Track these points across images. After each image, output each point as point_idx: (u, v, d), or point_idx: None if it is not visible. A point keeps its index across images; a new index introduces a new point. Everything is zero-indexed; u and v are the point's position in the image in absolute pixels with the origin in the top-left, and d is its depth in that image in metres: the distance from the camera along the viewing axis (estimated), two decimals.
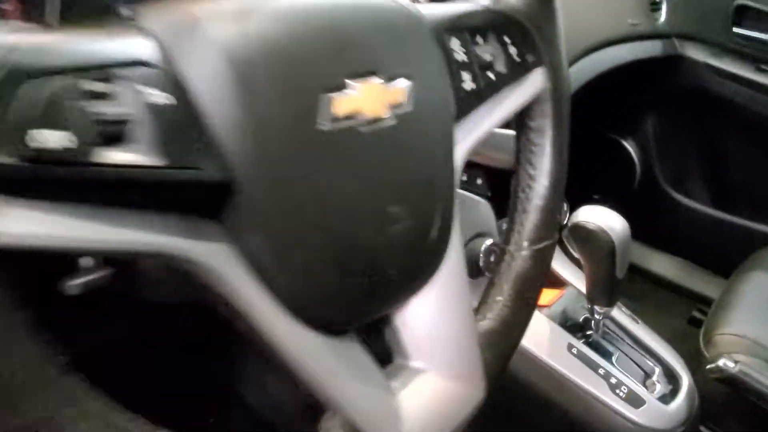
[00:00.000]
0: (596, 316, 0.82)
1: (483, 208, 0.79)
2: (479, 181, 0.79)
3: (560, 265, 0.92)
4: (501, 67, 0.45)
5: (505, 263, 0.48)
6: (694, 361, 1.01)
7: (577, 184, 1.75)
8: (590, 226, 0.74)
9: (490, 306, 0.46)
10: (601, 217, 0.75)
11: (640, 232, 1.74)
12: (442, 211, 0.39)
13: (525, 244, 0.48)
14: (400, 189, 0.36)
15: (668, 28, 1.40)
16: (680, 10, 1.41)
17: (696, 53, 1.43)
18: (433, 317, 0.41)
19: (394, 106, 0.35)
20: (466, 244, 0.78)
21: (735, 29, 1.37)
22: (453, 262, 0.41)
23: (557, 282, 0.91)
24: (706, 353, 0.96)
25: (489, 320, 0.45)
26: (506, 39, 0.46)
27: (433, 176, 0.39)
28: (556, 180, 0.49)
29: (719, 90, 1.41)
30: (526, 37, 0.47)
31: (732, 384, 0.81)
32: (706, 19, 1.41)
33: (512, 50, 0.46)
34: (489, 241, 0.78)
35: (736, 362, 0.82)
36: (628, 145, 1.63)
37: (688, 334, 1.52)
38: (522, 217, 0.49)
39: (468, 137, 0.43)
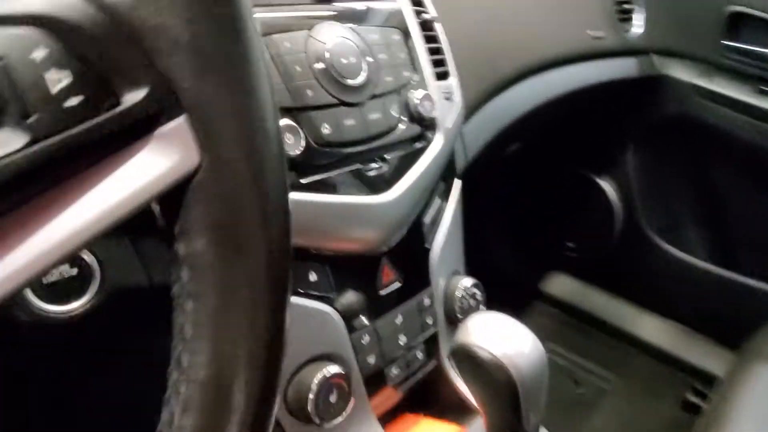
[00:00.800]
0: None
1: (323, 317, 0.52)
2: (313, 277, 0.51)
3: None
4: (78, 106, 0.18)
5: None
6: None
7: (547, 232, 1.47)
8: (480, 354, 0.46)
9: None
10: (498, 338, 0.46)
11: (624, 288, 1.45)
12: None
13: None
14: None
15: (644, 42, 1.13)
16: (658, 19, 1.14)
17: (680, 72, 1.15)
18: None
19: None
20: (292, 376, 0.50)
21: (727, 42, 1.09)
22: None
23: (461, 409, 0.62)
24: None
25: None
26: (106, 54, 0.19)
27: None
28: (224, 378, 0.21)
29: (711, 117, 1.13)
30: (149, 56, 0.20)
31: None
32: (692, 31, 1.13)
33: (114, 81, 0.19)
34: (331, 369, 0.50)
35: None
36: (605, 185, 1.34)
37: (681, 425, 1.21)
38: None
39: None
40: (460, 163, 0.71)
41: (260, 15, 0.49)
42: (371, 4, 0.58)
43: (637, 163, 1.28)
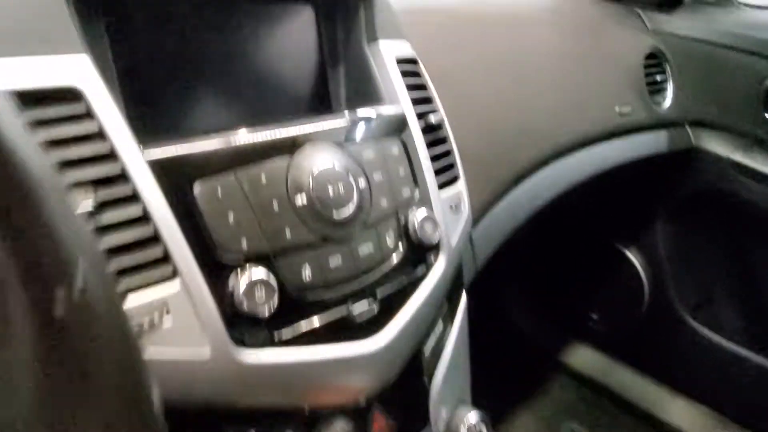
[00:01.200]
0: None
1: None
2: None
3: None
4: None
5: None
6: None
7: (571, 301, 1.37)
8: None
9: None
10: None
11: (652, 366, 1.35)
12: None
13: None
14: None
15: (677, 114, 1.05)
16: (692, 90, 1.06)
17: (716, 146, 1.07)
18: None
19: None
20: None
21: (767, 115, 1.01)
22: None
23: None
24: None
25: None
26: None
27: None
28: None
29: (747, 193, 1.04)
30: None
31: None
32: (729, 103, 1.05)
33: None
34: None
35: None
36: (633, 257, 1.25)
37: None
38: None
39: None
40: (469, 275, 0.64)
41: (237, 140, 0.43)
42: (369, 112, 0.52)
43: (668, 236, 1.20)
